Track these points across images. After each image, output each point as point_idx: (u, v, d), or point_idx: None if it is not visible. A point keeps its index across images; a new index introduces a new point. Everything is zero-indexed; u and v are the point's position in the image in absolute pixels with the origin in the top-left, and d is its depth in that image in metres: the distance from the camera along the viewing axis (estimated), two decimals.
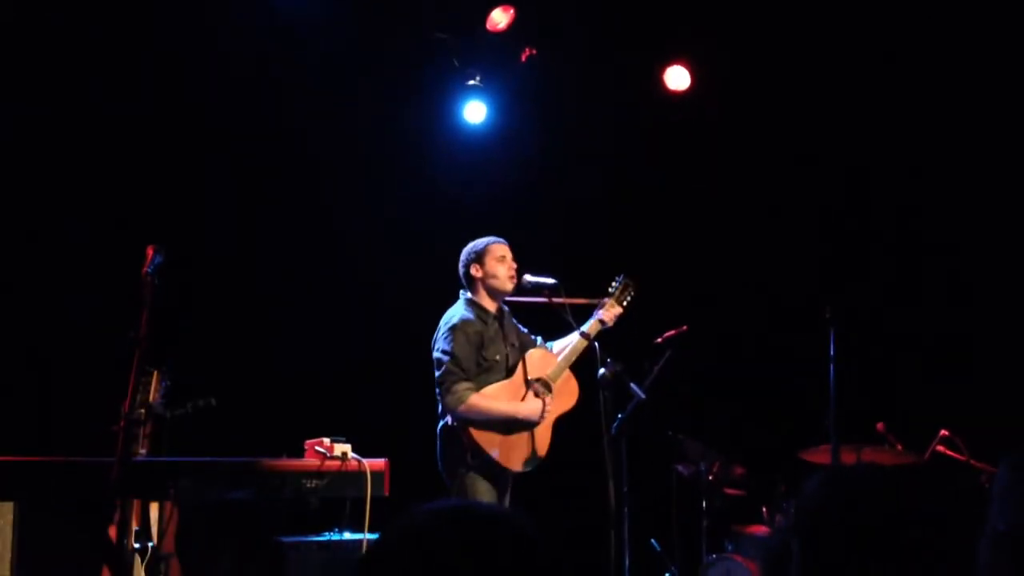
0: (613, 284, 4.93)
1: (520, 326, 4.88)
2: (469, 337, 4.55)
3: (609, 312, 4.81)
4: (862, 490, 1.67)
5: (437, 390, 4.53)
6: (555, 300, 4.64)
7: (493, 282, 4.67)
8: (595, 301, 4.84)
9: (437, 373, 4.52)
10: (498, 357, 4.62)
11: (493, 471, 4.51)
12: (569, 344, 4.75)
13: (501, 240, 4.78)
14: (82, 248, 5.34)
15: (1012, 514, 1.63)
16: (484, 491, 4.47)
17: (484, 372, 4.56)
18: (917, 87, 6.13)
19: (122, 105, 5.44)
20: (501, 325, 4.72)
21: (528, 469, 4.56)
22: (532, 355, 4.73)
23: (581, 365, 4.75)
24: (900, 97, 6.22)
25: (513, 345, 4.73)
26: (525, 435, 4.56)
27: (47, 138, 5.33)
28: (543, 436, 4.62)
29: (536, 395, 4.62)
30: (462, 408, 4.43)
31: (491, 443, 4.45)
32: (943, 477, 5.08)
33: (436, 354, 4.57)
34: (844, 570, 1.63)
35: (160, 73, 5.53)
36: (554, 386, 4.67)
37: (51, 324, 5.20)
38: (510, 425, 4.52)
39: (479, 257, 4.70)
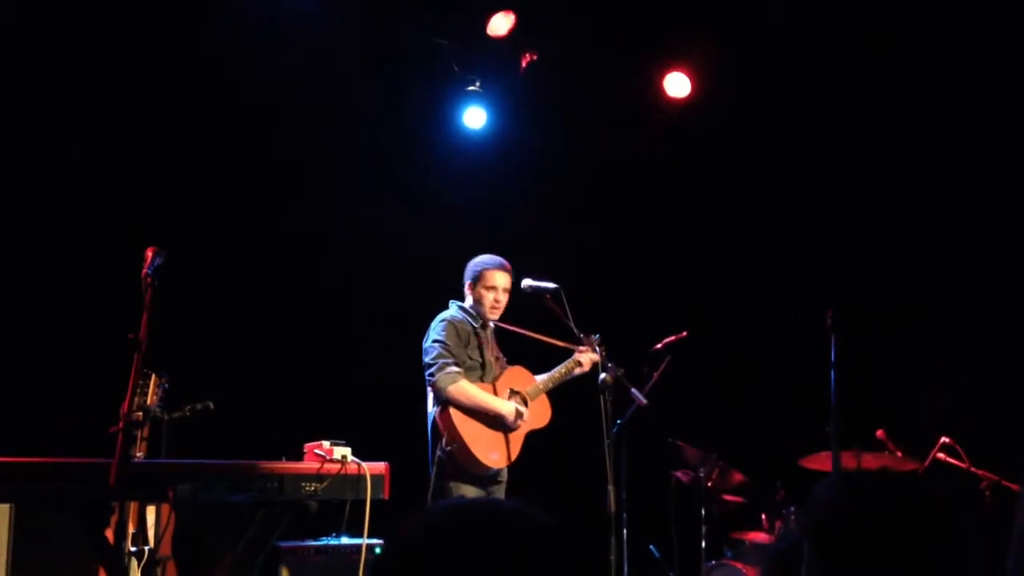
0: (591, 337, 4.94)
1: (500, 352, 4.97)
2: (459, 333, 4.71)
3: (586, 358, 4.88)
4: (876, 494, 1.67)
5: (427, 372, 4.63)
6: (553, 304, 4.74)
7: (478, 307, 4.83)
8: (571, 347, 4.91)
9: (427, 358, 4.64)
10: (480, 359, 4.75)
11: (470, 468, 4.57)
12: (548, 373, 4.90)
13: (501, 267, 4.83)
14: (82, 249, 5.32)
15: None
16: (469, 493, 4.55)
17: (467, 369, 4.69)
18: (916, 91, 6.13)
19: (124, 104, 5.43)
20: (484, 337, 4.84)
21: (493, 465, 4.63)
22: (515, 370, 4.89)
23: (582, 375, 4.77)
24: (898, 101, 6.22)
25: (498, 358, 4.88)
26: (498, 434, 4.67)
27: (47, 136, 5.32)
28: (514, 442, 4.72)
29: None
30: (451, 388, 4.55)
31: (466, 427, 4.57)
32: (944, 484, 5.07)
33: (427, 343, 4.70)
34: (855, 573, 1.63)
35: (158, 73, 5.51)
36: (530, 402, 4.81)
37: (50, 325, 5.18)
38: (487, 419, 4.63)
39: (476, 278, 4.84)
